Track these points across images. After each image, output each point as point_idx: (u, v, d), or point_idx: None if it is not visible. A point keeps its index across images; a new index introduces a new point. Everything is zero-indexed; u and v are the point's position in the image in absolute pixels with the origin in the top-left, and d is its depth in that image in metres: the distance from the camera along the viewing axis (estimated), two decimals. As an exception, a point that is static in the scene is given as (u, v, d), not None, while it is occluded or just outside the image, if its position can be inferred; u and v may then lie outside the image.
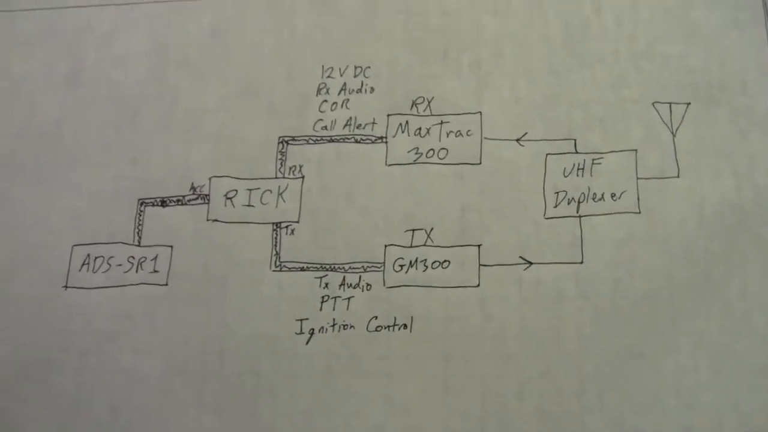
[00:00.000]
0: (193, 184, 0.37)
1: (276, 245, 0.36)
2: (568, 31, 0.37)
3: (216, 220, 0.36)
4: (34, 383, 0.35)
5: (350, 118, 0.37)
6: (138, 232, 0.36)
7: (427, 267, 0.35)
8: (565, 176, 0.36)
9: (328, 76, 0.38)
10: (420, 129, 0.37)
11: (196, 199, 0.37)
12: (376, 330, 0.34)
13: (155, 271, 0.36)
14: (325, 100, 0.37)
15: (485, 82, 0.37)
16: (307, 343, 0.34)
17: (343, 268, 0.35)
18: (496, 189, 0.36)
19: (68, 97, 0.39)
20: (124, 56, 0.39)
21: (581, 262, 0.34)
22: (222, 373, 0.34)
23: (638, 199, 0.35)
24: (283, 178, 0.37)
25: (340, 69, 0.38)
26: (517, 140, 0.36)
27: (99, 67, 0.39)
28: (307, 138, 0.37)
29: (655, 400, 0.33)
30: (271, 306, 0.35)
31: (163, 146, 0.38)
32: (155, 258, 0.36)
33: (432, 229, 0.35)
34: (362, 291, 0.35)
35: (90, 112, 0.38)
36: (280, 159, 0.37)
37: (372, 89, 0.37)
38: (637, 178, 0.35)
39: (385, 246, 0.35)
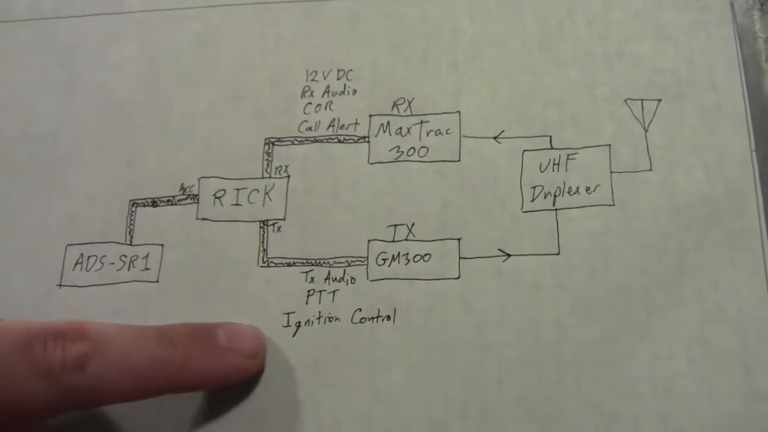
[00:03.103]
0: (182, 184, 0.38)
1: (263, 242, 0.37)
2: (542, 33, 0.39)
3: (205, 219, 0.38)
4: (29, 378, 0.36)
5: (334, 119, 0.39)
6: (130, 232, 0.38)
7: (409, 260, 0.36)
8: (542, 171, 0.37)
9: (313, 80, 0.39)
10: (401, 129, 0.38)
11: (186, 199, 0.38)
12: (361, 322, 0.35)
13: (147, 269, 0.37)
14: (310, 103, 0.39)
15: (463, 83, 0.38)
16: (293, 335, 0.35)
17: (328, 262, 0.36)
18: (475, 185, 0.37)
19: (64, 104, 0.40)
20: (118, 64, 0.40)
21: (558, 254, 0.36)
22: (211, 366, 0.35)
23: (612, 192, 0.36)
24: (270, 177, 0.38)
25: (323, 72, 0.39)
26: (495, 138, 0.38)
27: (93, 75, 0.40)
28: (292, 139, 0.38)
29: (630, 386, 0.33)
30: (258, 300, 0.36)
31: (155, 149, 0.39)
32: (146, 256, 0.37)
33: (413, 224, 0.37)
34: (347, 284, 0.36)
35: (85, 118, 0.40)
36: (267, 159, 0.38)
37: (354, 91, 0.39)
38: (611, 172, 0.36)
39: (369, 241, 0.36)
